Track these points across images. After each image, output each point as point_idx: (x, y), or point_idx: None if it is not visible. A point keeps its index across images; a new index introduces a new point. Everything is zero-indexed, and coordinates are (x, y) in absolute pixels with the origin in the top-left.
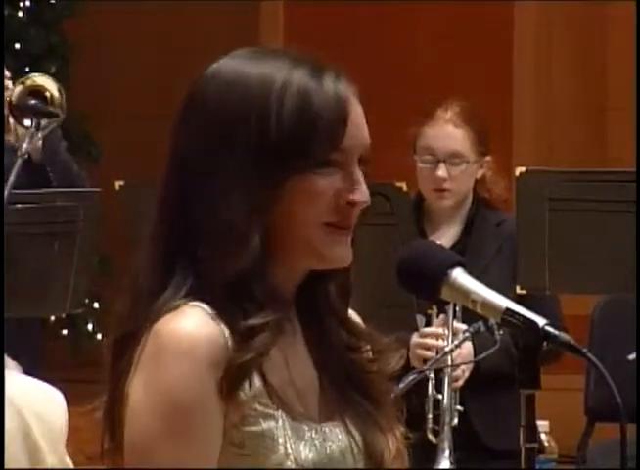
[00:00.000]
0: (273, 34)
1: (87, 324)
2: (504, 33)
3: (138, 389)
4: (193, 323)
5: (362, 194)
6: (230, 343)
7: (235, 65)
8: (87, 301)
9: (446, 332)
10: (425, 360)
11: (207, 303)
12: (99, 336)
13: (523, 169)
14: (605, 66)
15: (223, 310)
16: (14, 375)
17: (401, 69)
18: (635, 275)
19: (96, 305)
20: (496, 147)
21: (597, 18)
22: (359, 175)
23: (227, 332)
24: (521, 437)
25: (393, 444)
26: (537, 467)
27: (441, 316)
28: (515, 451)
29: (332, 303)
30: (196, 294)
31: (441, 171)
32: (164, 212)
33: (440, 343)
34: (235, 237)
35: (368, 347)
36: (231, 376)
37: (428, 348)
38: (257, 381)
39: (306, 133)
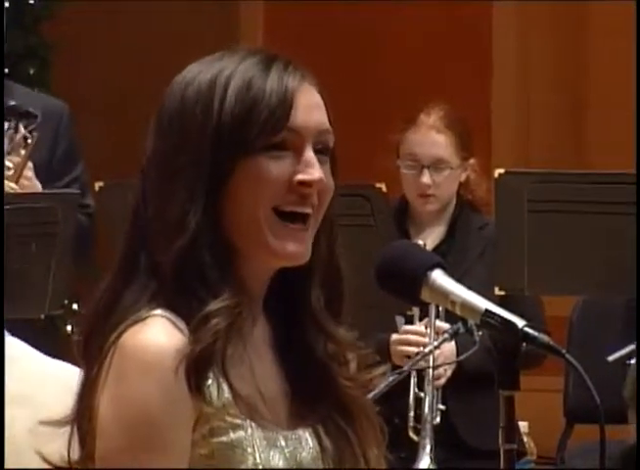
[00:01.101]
0: (253, 34)
1: (66, 325)
2: (483, 34)
3: (106, 404)
4: (158, 336)
5: (311, 174)
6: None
7: (194, 69)
8: (66, 302)
9: (428, 331)
10: (408, 357)
11: (170, 306)
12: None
13: (501, 171)
14: (584, 67)
15: (183, 308)
16: (49, 359)
17: (380, 68)
18: (619, 277)
19: (75, 306)
20: (475, 148)
21: (576, 18)
22: (312, 157)
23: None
24: (500, 438)
25: (366, 462)
26: (516, 468)
27: (425, 319)
28: (496, 451)
29: (314, 310)
30: (159, 295)
31: (425, 178)
32: (131, 214)
33: (422, 340)
34: (172, 224)
35: (350, 357)
36: (194, 367)
37: (409, 344)
38: (226, 391)
39: (246, 115)
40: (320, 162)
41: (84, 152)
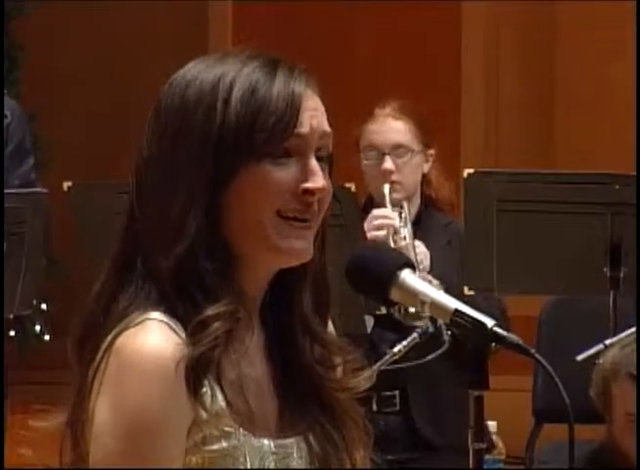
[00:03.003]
0: (222, 34)
1: (35, 325)
2: (452, 33)
3: (103, 410)
4: (156, 341)
5: (316, 182)
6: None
7: (194, 69)
8: (35, 302)
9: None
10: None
11: (167, 309)
12: (47, 337)
13: (470, 171)
14: (553, 66)
15: (180, 311)
16: None
17: (348, 68)
18: (589, 276)
19: (44, 306)
20: (444, 148)
21: (545, 18)
22: (315, 165)
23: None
24: (469, 437)
25: (353, 465)
26: (485, 467)
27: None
28: (458, 447)
29: (305, 316)
30: (156, 298)
31: (388, 163)
32: (126, 215)
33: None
34: (171, 227)
35: (338, 361)
36: (192, 370)
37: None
38: (220, 399)
39: (252, 119)
40: (321, 168)
41: (54, 152)
